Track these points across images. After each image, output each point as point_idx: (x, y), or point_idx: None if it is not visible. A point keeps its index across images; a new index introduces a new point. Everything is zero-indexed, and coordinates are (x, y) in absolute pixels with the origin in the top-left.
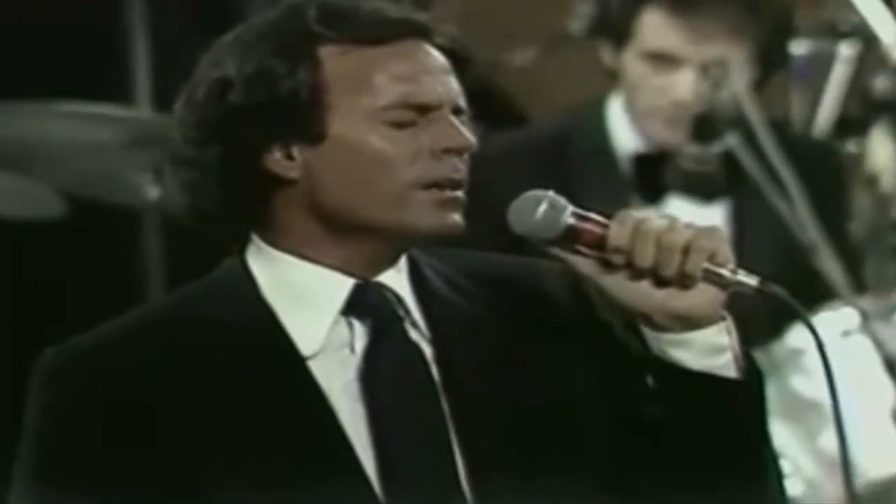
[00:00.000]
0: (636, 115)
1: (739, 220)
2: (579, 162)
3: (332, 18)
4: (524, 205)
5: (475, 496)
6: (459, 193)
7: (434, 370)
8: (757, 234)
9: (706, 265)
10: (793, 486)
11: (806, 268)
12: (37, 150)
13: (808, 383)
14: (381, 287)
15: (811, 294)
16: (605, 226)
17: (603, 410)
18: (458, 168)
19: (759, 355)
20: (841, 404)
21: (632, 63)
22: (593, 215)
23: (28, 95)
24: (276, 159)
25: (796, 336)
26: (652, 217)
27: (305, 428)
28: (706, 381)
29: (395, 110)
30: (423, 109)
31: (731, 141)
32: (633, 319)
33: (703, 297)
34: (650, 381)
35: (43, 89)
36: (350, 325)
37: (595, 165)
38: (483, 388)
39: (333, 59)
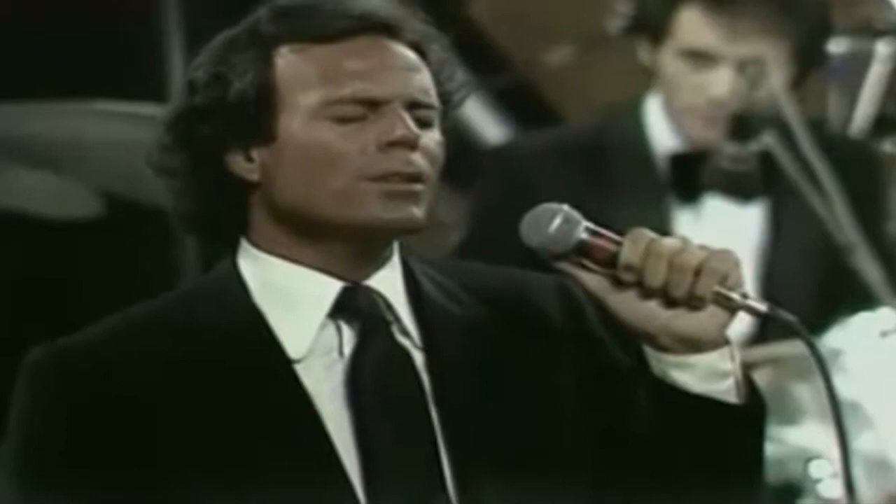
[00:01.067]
0: (673, 114)
1: (776, 220)
2: (616, 161)
3: (286, 18)
4: (538, 218)
5: (460, 503)
6: (415, 186)
7: (424, 377)
8: (794, 234)
9: (717, 288)
10: (833, 489)
11: (843, 268)
12: (73, 149)
13: (848, 384)
14: (370, 291)
15: (848, 294)
16: (618, 243)
17: (591, 425)
18: (410, 161)
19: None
20: (879, 404)
21: (668, 61)
22: (606, 232)
23: (64, 94)
24: (237, 161)
25: (835, 336)
26: (665, 237)
27: (290, 432)
28: (705, 406)
29: (342, 105)
30: (373, 104)
31: (769, 140)
32: (637, 339)
33: (709, 320)
34: (646, 401)
35: (79, 88)
36: (339, 329)
37: (632, 165)
38: (472, 396)
39: (286, 59)
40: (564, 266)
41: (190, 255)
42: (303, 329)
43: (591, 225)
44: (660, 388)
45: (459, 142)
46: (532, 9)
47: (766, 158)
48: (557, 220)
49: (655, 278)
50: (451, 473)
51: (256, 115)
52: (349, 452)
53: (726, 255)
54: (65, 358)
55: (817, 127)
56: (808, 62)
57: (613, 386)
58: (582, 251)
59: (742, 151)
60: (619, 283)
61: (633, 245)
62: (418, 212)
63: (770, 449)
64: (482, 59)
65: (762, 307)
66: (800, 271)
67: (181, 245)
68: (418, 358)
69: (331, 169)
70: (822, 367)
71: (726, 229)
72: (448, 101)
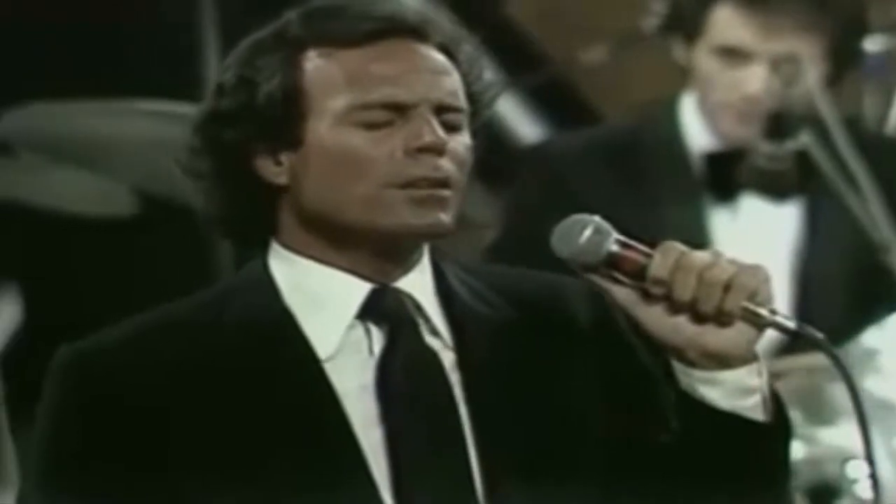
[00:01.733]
0: (708, 112)
1: (812, 219)
2: (652, 160)
3: (315, 23)
4: (569, 228)
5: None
6: (443, 192)
7: (455, 377)
8: (830, 233)
9: (745, 304)
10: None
11: (879, 267)
12: (111, 149)
13: (884, 384)
14: (399, 292)
15: (885, 293)
16: (648, 255)
17: (615, 432)
18: (438, 166)
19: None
20: None
21: (703, 59)
22: (636, 244)
23: (103, 94)
24: (265, 165)
25: (871, 336)
26: (696, 251)
27: (316, 431)
28: (732, 422)
29: (369, 111)
30: (400, 109)
31: (805, 139)
32: (665, 353)
33: (738, 336)
34: (673, 413)
35: (116, 87)
36: (367, 331)
37: (668, 164)
38: (501, 397)
39: (314, 63)
40: (594, 278)
41: (226, 254)
42: (331, 329)
43: (621, 237)
44: (686, 402)
45: (495, 141)
46: (568, 7)
47: (803, 157)
48: (588, 232)
49: (684, 293)
50: (480, 475)
51: (284, 120)
52: (377, 453)
53: (756, 271)
54: (92, 358)
55: (853, 125)
56: (843, 60)
57: (641, 394)
58: (612, 263)
59: (779, 150)
60: (648, 297)
61: (663, 258)
62: (446, 217)
63: (807, 450)
64: (518, 57)
65: (791, 324)
66: (836, 270)
67: (218, 244)
68: (448, 358)
69: (358, 175)
70: (850, 383)
71: (762, 228)
72: (477, 102)
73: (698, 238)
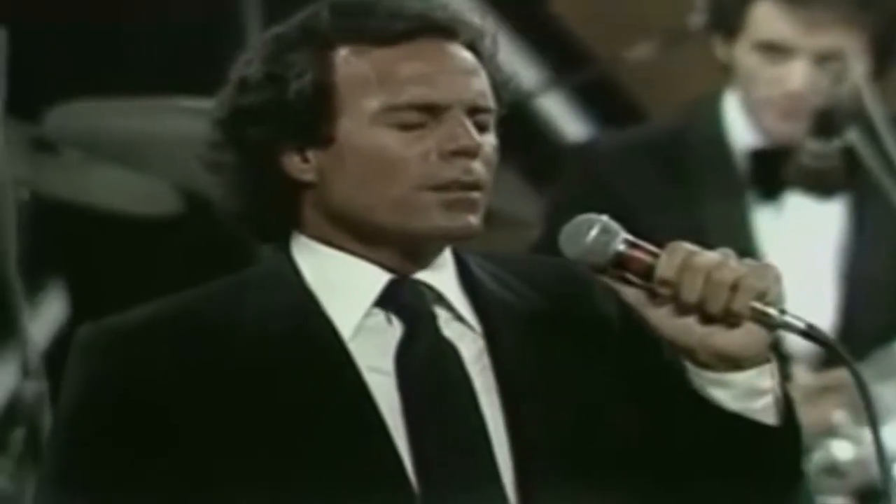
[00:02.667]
0: (750, 108)
1: (859, 216)
2: (696, 159)
3: (347, 20)
4: (576, 228)
5: (523, 488)
6: (473, 195)
7: (481, 364)
8: (876, 231)
9: (753, 304)
10: None
11: None
12: (155, 146)
13: None
14: (419, 283)
15: None
16: (655, 255)
17: (638, 425)
18: (470, 169)
19: (882, 356)
20: None
21: (744, 55)
22: (644, 244)
23: (146, 91)
24: (292, 161)
25: None
26: (705, 251)
27: (343, 408)
28: (740, 423)
29: (402, 112)
30: (433, 110)
31: (853, 136)
32: (677, 353)
33: (748, 337)
34: (683, 414)
35: (158, 84)
36: (389, 320)
37: (712, 162)
38: (532, 380)
39: (346, 61)
40: (605, 279)
41: (268, 252)
42: (351, 315)
43: (630, 237)
44: (695, 402)
45: (540, 140)
46: (614, 4)
47: (849, 155)
48: (594, 232)
49: (691, 293)
50: (513, 458)
51: (314, 117)
52: (400, 437)
53: (765, 271)
54: (114, 337)
55: None
56: (886, 55)
57: (664, 389)
58: (619, 263)
59: (826, 148)
60: (656, 297)
61: (670, 259)
62: (475, 220)
63: (854, 450)
64: (563, 55)
65: (801, 324)
66: (882, 268)
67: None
68: (478, 346)
69: (390, 176)
70: (863, 391)
71: (807, 226)
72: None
73: (742, 236)
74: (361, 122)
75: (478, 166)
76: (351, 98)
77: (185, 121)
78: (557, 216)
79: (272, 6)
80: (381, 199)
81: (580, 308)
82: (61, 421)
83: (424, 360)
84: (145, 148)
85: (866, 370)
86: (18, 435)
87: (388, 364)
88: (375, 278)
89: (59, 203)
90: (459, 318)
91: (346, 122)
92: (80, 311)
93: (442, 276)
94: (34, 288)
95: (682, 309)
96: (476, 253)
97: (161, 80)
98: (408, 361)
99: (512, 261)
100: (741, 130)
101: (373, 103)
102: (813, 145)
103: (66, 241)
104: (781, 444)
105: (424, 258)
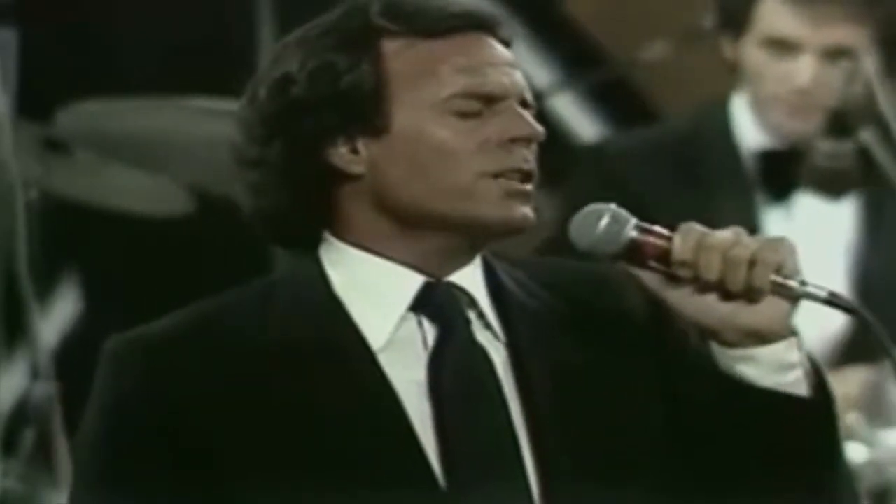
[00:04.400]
0: (759, 107)
1: (871, 217)
2: (706, 159)
3: (395, 12)
4: (585, 219)
5: (545, 499)
6: (529, 186)
7: (506, 373)
8: (889, 232)
9: (773, 277)
10: None
11: None
12: (167, 146)
13: None
14: (453, 286)
15: None
16: (669, 238)
17: (673, 420)
18: (528, 158)
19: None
20: None
21: (751, 52)
22: (657, 228)
23: (158, 91)
24: (340, 154)
25: None
26: (715, 231)
27: (372, 420)
28: (774, 399)
29: (459, 100)
30: (489, 100)
31: (866, 136)
32: (701, 335)
33: (771, 311)
34: (715, 397)
35: (171, 84)
36: (420, 323)
37: (721, 163)
38: (556, 391)
39: (396, 53)
40: (619, 266)
41: (281, 251)
42: (383, 321)
43: (640, 222)
44: (727, 383)
45: (553, 140)
46: (628, 4)
47: (863, 155)
48: (605, 220)
49: (710, 272)
50: (536, 470)
51: (369, 108)
52: (431, 446)
53: (780, 244)
54: (142, 348)
55: None
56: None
57: (698, 378)
58: (633, 250)
59: (839, 148)
60: (675, 280)
61: (685, 240)
62: (531, 212)
63: (867, 452)
64: (578, 55)
65: (823, 293)
66: (895, 269)
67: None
68: (501, 354)
69: (450, 164)
70: (889, 351)
71: (818, 227)
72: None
73: None
74: (417, 112)
75: (532, 157)
76: (405, 88)
77: (197, 121)
78: (570, 217)
79: (286, 9)
80: (441, 188)
81: (611, 316)
82: (91, 433)
83: (459, 365)
84: (157, 148)
85: (879, 372)
86: (28, 436)
87: (419, 369)
88: (409, 281)
89: (71, 203)
90: (487, 326)
91: (402, 112)
92: (91, 311)
93: (473, 279)
94: (44, 289)
95: (703, 289)
96: (504, 258)
97: (171, 80)
98: (441, 366)
99: (541, 267)
100: (749, 130)
101: (428, 93)
102: (826, 145)
103: (78, 241)
104: (817, 415)
105: (464, 259)
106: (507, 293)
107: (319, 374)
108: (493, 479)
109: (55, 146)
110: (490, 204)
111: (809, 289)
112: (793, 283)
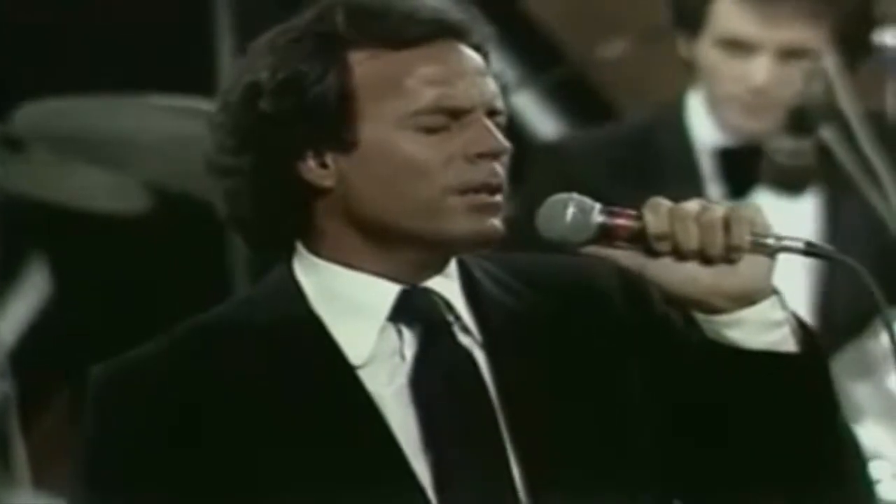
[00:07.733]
0: (714, 106)
1: (832, 215)
2: (661, 158)
3: (361, 21)
4: (551, 211)
5: (531, 501)
6: (498, 198)
7: (487, 375)
8: (850, 229)
9: (751, 236)
10: (893, 490)
11: None
12: (126, 144)
13: None
14: (429, 292)
15: None
16: (638, 217)
17: (658, 408)
18: (495, 172)
19: (853, 354)
20: None
21: (707, 51)
22: (621, 209)
23: (117, 89)
24: (309, 167)
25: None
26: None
27: (356, 436)
28: (765, 359)
29: (426, 115)
30: (456, 113)
31: (827, 134)
32: (685, 307)
33: (753, 270)
34: (705, 369)
35: (132, 82)
36: (399, 332)
37: (677, 161)
38: (536, 392)
39: (363, 64)
40: (593, 250)
41: (241, 251)
42: (363, 335)
43: (604, 206)
44: (716, 352)
45: (513, 138)
46: (588, 3)
47: (823, 152)
48: (571, 210)
49: (689, 241)
50: (520, 471)
51: (336, 122)
52: (417, 455)
53: (745, 206)
54: (126, 374)
55: (876, 120)
56: (853, 49)
57: (682, 362)
58: (605, 234)
59: (799, 146)
60: (653, 255)
61: (657, 214)
62: (499, 224)
63: None
64: (537, 53)
65: (799, 244)
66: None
67: (232, 241)
68: (480, 356)
69: (416, 180)
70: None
71: (777, 224)
72: (504, 99)
73: None
74: (384, 127)
75: (500, 169)
76: (372, 102)
77: (156, 119)
78: (528, 215)
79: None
80: (408, 204)
81: (587, 305)
82: (83, 462)
83: (445, 368)
84: (116, 146)
85: (839, 370)
86: None
87: (401, 377)
88: (385, 291)
89: (28, 202)
90: (465, 329)
91: (369, 127)
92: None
93: (448, 284)
94: (1, 287)
95: (682, 258)
96: (477, 254)
97: (130, 77)
98: (426, 371)
99: (520, 263)
100: (706, 129)
101: (395, 107)
102: (786, 143)
103: (36, 239)
104: (807, 370)
105: (437, 266)
106: (483, 293)
107: (301, 394)
108: (481, 480)
109: (11, 144)
110: (458, 219)
111: (787, 242)
112: (770, 240)
